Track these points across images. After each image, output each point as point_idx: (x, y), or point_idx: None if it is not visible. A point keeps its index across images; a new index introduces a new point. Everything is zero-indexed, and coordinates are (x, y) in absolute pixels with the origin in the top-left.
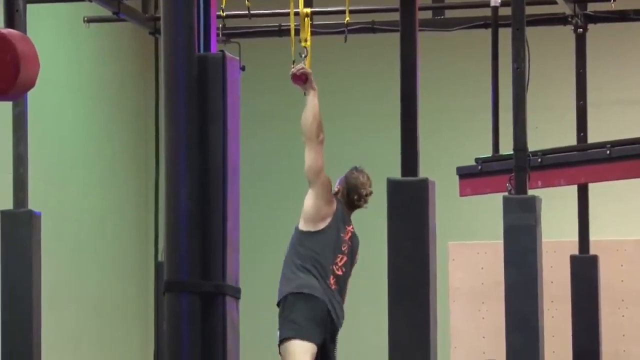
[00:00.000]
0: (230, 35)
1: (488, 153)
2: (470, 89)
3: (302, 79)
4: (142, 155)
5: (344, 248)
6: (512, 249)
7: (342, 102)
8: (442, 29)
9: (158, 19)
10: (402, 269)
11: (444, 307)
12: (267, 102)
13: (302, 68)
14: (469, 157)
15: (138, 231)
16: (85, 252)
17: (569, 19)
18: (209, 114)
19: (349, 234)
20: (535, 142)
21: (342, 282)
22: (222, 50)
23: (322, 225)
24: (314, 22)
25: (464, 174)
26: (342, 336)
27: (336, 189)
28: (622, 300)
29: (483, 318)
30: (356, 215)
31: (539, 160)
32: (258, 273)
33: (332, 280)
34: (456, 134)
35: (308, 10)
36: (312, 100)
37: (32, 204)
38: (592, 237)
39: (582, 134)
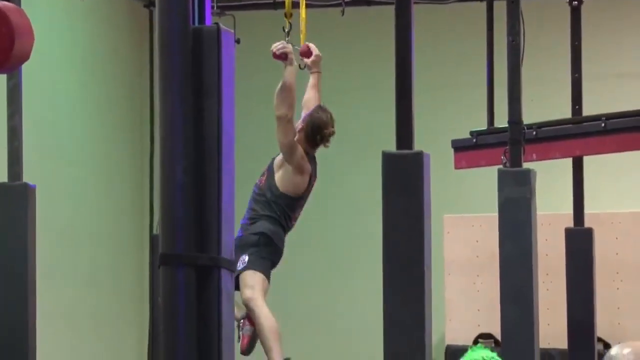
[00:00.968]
0: (225, 7)
1: (483, 126)
2: (466, 62)
3: (281, 57)
4: (137, 129)
5: (308, 198)
6: (507, 221)
7: (337, 76)
8: (438, 2)
9: None
10: (397, 242)
11: (438, 280)
12: (262, 74)
13: (282, 47)
14: (464, 130)
15: (133, 204)
16: (80, 225)
17: None
18: (204, 87)
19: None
20: (531, 115)
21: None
22: (216, 23)
23: (300, 193)
24: None
25: (459, 147)
26: (337, 309)
27: (299, 127)
28: (617, 273)
29: (478, 291)
30: (350, 189)
31: (534, 133)
32: None
33: (287, 231)
34: (451, 107)
35: None
36: (287, 77)
37: (27, 177)
38: (587, 209)
39: (577, 107)
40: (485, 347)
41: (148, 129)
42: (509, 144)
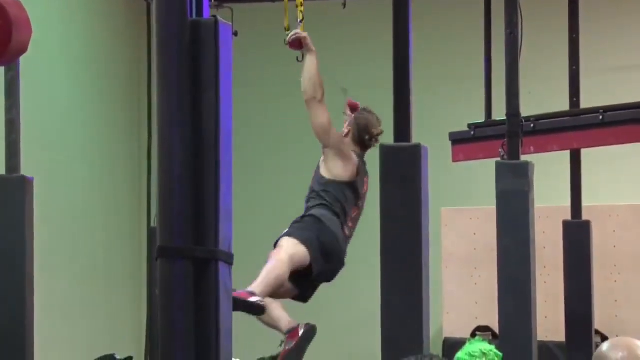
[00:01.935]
0: (222, 0)
1: (481, 119)
2: (464, 54)
3: (297, 45)
4: (135, 121)
5: (361, 202)
6: (504, 214)
7: (335, 67)
8: None
9: None
10: (395, 235)
11: (436, 273)
12: (261, 67)
13: (296, 33)
14: (462, 122)
15: (131, 197)
16: (78, 218)
17: None
18: (202, 79)
19: (366, 186)
20: (528, 108)
21: (351, 233)
22: (214, 16)
23: (347, 179)
24: None
25: (457, 139)
26: (335, 302)
27: (345, 131)
28: (615, 266)
29: (476, 284)
30: None
31: (532, 125)
32: (249, 237)
33: (346, 231)
34: (449, 100)
35: None
36: (308, 61)
37: (25, 170)
38: (585, 202)
39: (575, 100)
40: (484, 339)
41: (146, 122)
42: (506, 137)
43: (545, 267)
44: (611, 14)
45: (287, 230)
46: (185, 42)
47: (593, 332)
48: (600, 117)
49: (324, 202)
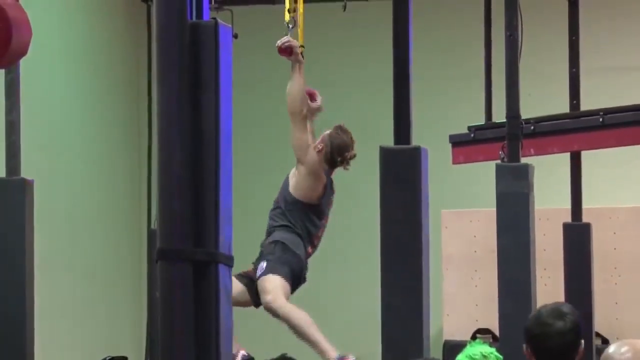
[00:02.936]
0: (222, 2)
1: (481, 121)
2: (464, 56)
3: (287, 52)
4: (134, 123)
5: (324, 221)
6: (505, 216)
7: (335, 69)
8: None
9: None
10: (395, 238)
11: (436, 275)
12: (260, 69)
13: (288, 41)
14: (462, 125)
15: (131, 199)
16: (78, 220)
17: None
18: (202, 82)
19: (331, 205)
20: (528, 110)
21: (315, 248)
22: (214, 18)
23: (314, 200)
24: None
25: (457, 142)
26: (335, 305)
27: (319, 147)
28: (615, 268)
29: (476, 286)
30: (348, 183)
31: (532, 127)
32: (249, 239)
33: (309, 250)
34: (449, 102)
35: None
36: (296, 74)
37: (25, 172)
38: (585, 204)
39: (575, 102)
40: (484, 342)
41: (146, 124)
42: (506, 139)
43: (545, 269)
44: (611, 15)
45: (265, 262)
46: (185, 44)
47: (593, 335)
48: (601, 119)
49: (289, 224)
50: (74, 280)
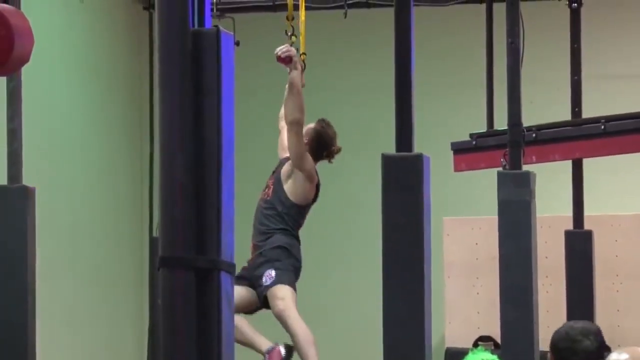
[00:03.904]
0: (224, 10)
1: (483, 128)
2: (465, 64)
3: (286, 60)
4: (136, 131)
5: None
6: (506, 224)
7: (337, 76)
8: (437, 4)
9: None
10: (397, 245)
11: (438, 282)
12: (261, 76)
13: (287, 50)
14: (464, 132)
15: (133, 206)
16: (80, 228)
17: None
18: (204, 89)
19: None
20: (530, 117)
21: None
22: (216, 26)
23: (309, 202)
24: None
25: (459, 149)
26: (337, 311)
27: (305, 140)
28: (617, 276)
29: (478, 293)
30: (350, 190)
31: (534, 135)
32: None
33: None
34: (451, 109)
35: None
36: (296, 83)
37: (27, 179)
38: (587, 212)
39: (576, 109)
40: (486, 349)
41: (147, 131)
42: (508, 146)
43: (547, 276)
44: (613, 23)
45: (274, 270)
46: (187, 52)
47: None
48: (602, 127)
49: (287, 227)
50: (76, 287)
